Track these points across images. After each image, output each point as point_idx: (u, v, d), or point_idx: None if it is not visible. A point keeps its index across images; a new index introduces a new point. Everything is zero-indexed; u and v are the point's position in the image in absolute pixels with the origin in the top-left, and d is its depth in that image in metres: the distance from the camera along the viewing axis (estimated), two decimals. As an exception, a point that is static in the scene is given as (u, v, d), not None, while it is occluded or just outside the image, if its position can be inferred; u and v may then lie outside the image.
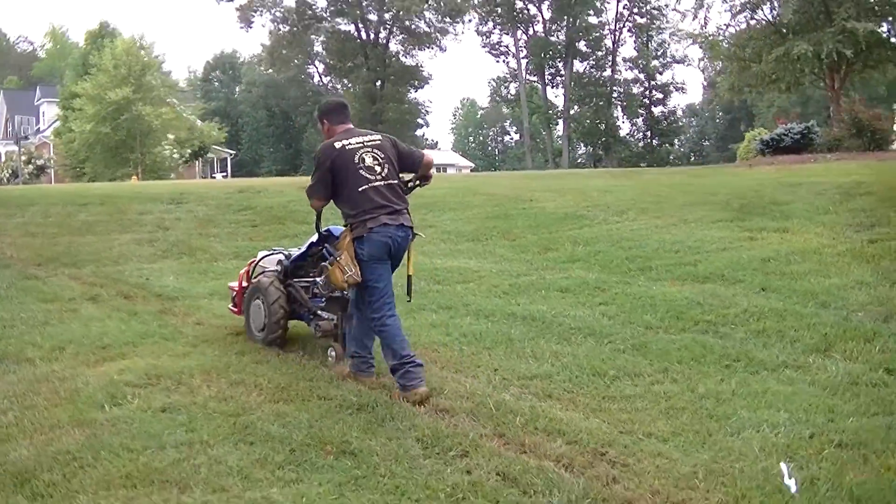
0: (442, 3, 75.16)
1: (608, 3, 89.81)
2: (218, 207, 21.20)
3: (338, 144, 7.88)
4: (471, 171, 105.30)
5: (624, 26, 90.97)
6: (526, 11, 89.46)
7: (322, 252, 8.91)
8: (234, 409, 6.98)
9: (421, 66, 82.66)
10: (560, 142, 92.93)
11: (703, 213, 17.01)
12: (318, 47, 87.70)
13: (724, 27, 38.13)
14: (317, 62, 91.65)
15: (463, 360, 8.53)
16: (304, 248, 9.34)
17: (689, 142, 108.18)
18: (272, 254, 10.08)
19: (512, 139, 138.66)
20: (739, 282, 11.61)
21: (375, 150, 7.92)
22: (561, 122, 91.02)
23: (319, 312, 8.95)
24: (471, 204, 20.75)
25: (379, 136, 8.16)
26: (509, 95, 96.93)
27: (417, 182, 8.41)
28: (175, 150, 57.19)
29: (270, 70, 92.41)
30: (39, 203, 21.95)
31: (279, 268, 9.52)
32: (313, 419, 6.70)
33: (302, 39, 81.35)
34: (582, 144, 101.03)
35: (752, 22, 37.26)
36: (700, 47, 40.59)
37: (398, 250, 7.92)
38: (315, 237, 9.07)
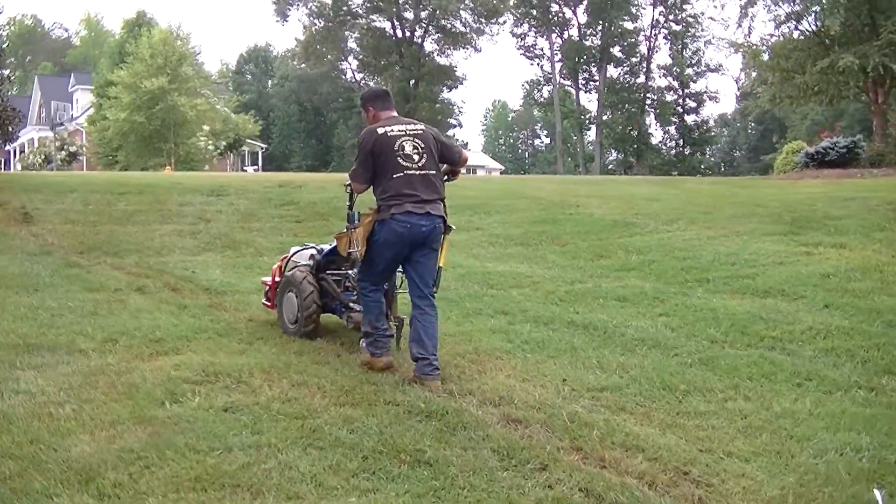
0: (478, 4, 74.77)
1: (644, 8, 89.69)
2: (259, 201, 21.05)
3: (380, 130, 8.06)
4: (500, 173, 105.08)
5: (659, 33, 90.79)
6: (561, 15, 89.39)
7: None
8: (300, 411, 6.75)
9: (455, 66, 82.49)
10: (591, 147, 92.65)
11: (754, 224, 16.79)
12: (351, 43, 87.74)
13: (769, 37, 37.77)
14: (350, 58, 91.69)
15: (528, 369, 8.27)
16: (335, 243, 9.23)
17: (719, 152, 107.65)
18: (304, 249, 10.19)
19: (542, 143, 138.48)
20: (801, 297, 11.34)
21: (416, 139, 8.06)
22: (594, 127, 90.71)
23: (351, 305, 9.13)
24: (516, 207, 20.54)
25: (422, 126, 8.30)
26: (542, 99, 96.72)
27: (445, 177, 8.51)
28: (210, 142, 57.16)
29: (303, 65, 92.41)
30: (78, 190, 21.81)
31: (311, 262, 9.70)
32: (383, 425, 6.47)
33: (336, 35, 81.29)
34: (613, 150, 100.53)
35: (796, 33, 36.91)
36: (742, 56, 40.19)
37: (423, 238, 7.99)
38: (346, 228, 8.99)
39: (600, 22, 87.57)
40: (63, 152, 58.84)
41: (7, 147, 57.54)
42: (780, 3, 36.37)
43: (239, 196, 21.77)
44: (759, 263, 13.52)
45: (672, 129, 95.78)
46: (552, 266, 14.52)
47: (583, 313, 10.84)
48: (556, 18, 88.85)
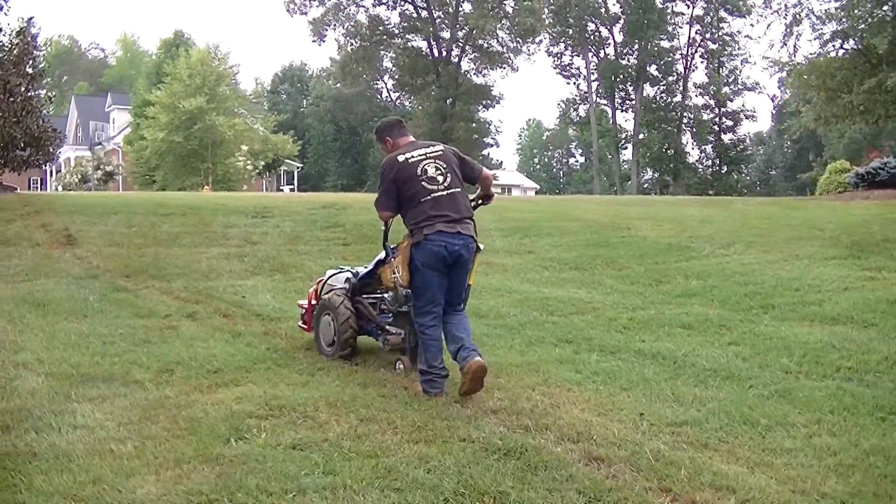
0: (515, 23, 74.65)
1: (680, 27, 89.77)
2: (304, 223, 20.87)
3: (401, 157, 8.23)
4: (535, 192, 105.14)
5: (696, 52, 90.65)
6: (598, 34, 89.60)
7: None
8: (371, 449, 6.42)
9: (492, 85, 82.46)
10: (627, 166, 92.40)
11: (813, 248, 16.51)
12: (387, 63, 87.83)
13: (814, 55, 37.35)
14: (386, 78, 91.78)
15: (602, 402, 7.95)
16: (371, 266, 9.58)
17: (755, 170, 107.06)
18: (340, 272, 10.31)
19: (577, 162, 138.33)
20: (872, 325, 11.06)
21: (438, 161, 8.24)
22: (630, 146, 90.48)
23: (387, 327, 9.25)
24: (567, 230, 20.32)
25: (441, 147, 8.52)
26: (578, 118, 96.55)
27: (480, 201, 8.87)
28: (249, 162, 57.17)
29: (339, 84, 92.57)
30: (121, 212, 21.70)
31: (347, 286, 9.83)
32: (461, 464, 6.13)
33: (373, 55, 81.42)
34: (649, 169, 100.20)
35: (842, 52, 36.48)
36: (787, 75, 39.77)
37: (456, 258, 8.11)
38: (382, 254, 9.20)
39: (637, 41, 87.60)
40: (100, 172, 58.95)
41: (44, 167, 57.64)
42: (826, 22, 35.97)
43: (284, 218, 21.57)
44: (823, 289, 13.25)
45: (709, 147, 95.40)
46: (611, 291, 14.28)
47: (649, 342, 10.57)
48: (592, 37, 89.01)
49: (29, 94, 27.96)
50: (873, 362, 9.33)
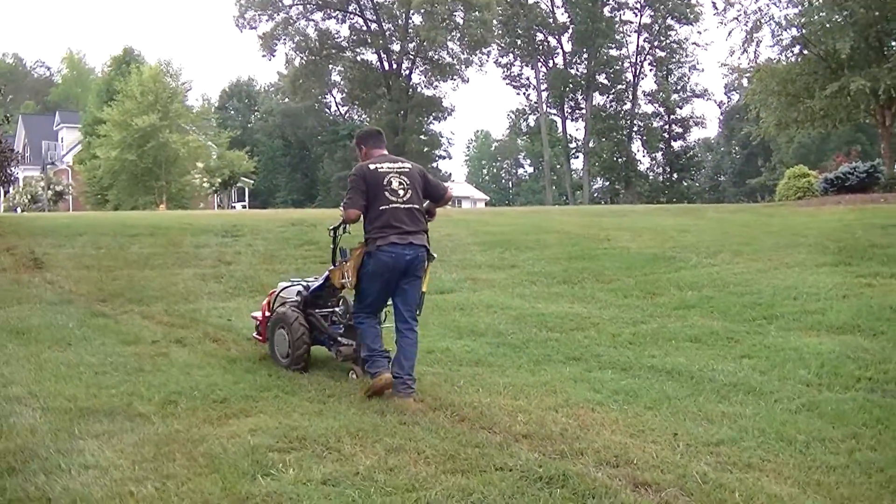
0: (465, 34, 74.68)
1: (629, 36, 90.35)
2: (276, 241, 20.57)
3: (371, 166, 8.86)
4: (485, 203, 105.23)
5: (644, 60, 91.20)
6: (546, 44, 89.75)
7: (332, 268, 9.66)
8: (407, 482, 6.12)
9: (442, 97, 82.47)
10: (577, 176, 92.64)
11: (801, 255, 16.57)
12: (335, 76, 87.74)
13: (774, 61, 37.55)
14: (335, 91, 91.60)
15: (630, 422, 7.73)
16: (322, 280, 9.99)
17: (704, 177, 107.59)
18: (292, 285, 10.63)
19: (526, 172, 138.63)
20: (880, 333, 11.03)
21: (402, 176, 8.83)
22: (581, 155, 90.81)
23: (339, 339, 9.74)
24: (546, 243, 20.27)
25: (409, 165, 9.12)
26: (528, 128, 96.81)
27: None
28: (205, 179, 56.73)
29: (287, 99, 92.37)
30: (87, 233, 21.22)
31: (299, 298, 10.20)
32: (506, 496, 5.87)
33: (322, 69, 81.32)
34: (599, 178, 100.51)
35: (801, 58, 36.71)
36: (748, 82, 39.99)
37: (406, 266, 8.70)
38: (332, 265, 9.68)
39: (585, 50, 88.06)
40: (49, 191, 58.31)
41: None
42: (786, 28, 36.20)
43: (254, 236, 21.27)
44: (822, 297, 13.23)
45: (659, 155, 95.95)
46: (606, 305, 14.15)
47: (660, 357, 10.44)
48: (541, 47, 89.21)
49: (-18, 114, 27.42)
50: (893, 372, 9.24)
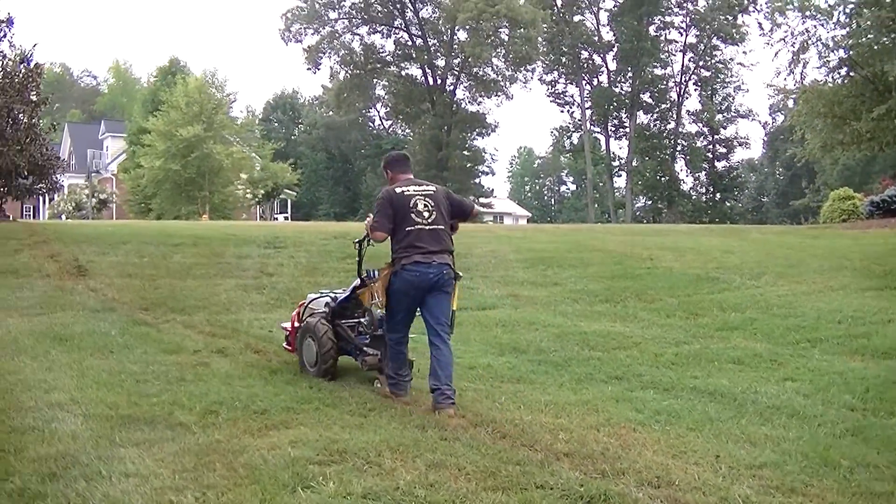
0: (510, 51, 74.51)
1: (674, 55, 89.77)
2: (319, 254, 20.61)
3: (398, 190, 9.30)
4: (527, 220, 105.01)
5: (689, 79, 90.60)
6: (591, 62, 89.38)
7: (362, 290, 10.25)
8: (447, 498, 6.08)
9: (486, 113, 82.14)
10: (620, 194, 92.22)
11: (845, 279, 16.47)
12: (379, 91, 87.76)
13: (821, 82, 37.21)
14: (378, 106, 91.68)
15: (672, 443, 7.67)
16: (348, 292, 10.53)
17: (748, 197, 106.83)
18: (320, 297, 11.09)
19: (568, 189, 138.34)
20: (927, 359, 10.84)
21: (427, 199, 9.28)
22: (623, 173, 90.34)
23: (365, 349, 10.12)
24: (589, 261, 20.27)
25: (433, 187, 9.58)
26: (571, 145, 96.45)
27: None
28: (249, 190, 56.92)
29: (331, 112, 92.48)
30: (130, 241, 21.39)
31: (326, 310, 10.60)
32: (548, 516, 5.79)
33: (366, 83, 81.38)
34: (642, 197, 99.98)
35: (847, 79, 36.38)
36: (794, 103, 39.68)
37: (431, 284, 9.09)
38: (358, 281, 10.29)
39: (630, 68, 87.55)
40: (94, 199, 58.63)
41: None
42: (833, 50, 35.89)
43: (297, 248, 21.33)
44: (867, 321, 13.13)
45: (702, 174, 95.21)
46: (648, 325, 14.12)
47: (702, 378, 10.41)
48: (586, 65, 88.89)
49: (32, 121, 27.61)
50: (940, 398, 9.06)
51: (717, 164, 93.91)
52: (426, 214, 9.15)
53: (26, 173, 27.41)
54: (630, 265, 19.58)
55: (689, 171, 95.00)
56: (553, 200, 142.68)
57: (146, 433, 7.58)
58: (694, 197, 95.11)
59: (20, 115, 26.99)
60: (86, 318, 13.73)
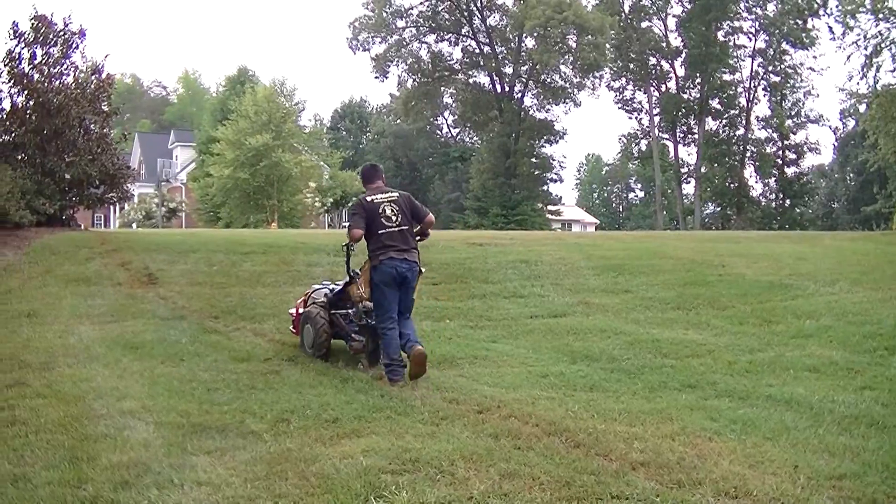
0: (578, 58, 74.04)
1: (742, 61, 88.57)
2: (388, 263, 20.49)
3: (368, 198, 11.09)
4: (595, 227, 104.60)
5: (758, 84, 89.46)
6: (659, 68, 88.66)
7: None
8: (523, 509, 5.98)
9: (554, 120, 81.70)
10: (688, 201, 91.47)
11: None
12: (447, 99, 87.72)
13: (893, 86, 36.68)
14: (446, 113, 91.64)
15: (749, 453, 7.54)
16: (341, 286, 12.03)
17: (817, 203, 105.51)
18: (322, 288, 12.71)
19: (636, 196, 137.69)
20: None
21: (392, 204, 10.97)
22: (692, 180, 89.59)
23: (353, 335, 11.58)
24: (660, 268, 20.12)
25: (396, 194, 11.22)
26: (639, 152, 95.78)
27: (418, 238, 11.28)
28: (317, 199, 57.15)
29: (399, 120, 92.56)
30: (200, 250, 21.48)
31: (325, 300, 12.13)
32: (623, 526, 5.71)
33: (434, 91, 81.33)
34: (710, 204, 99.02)
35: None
36: (867, 107, 39.12)
37: (403, 277, 10.79)
38: (348, 278, 11.67)
39: (699, 74, 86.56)
40: (163, 208, 59.11)
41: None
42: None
43: (366, 256, 21.11)
44: (953, 332, 12.81)
45: (772, 181, 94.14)
46: (721, 332, 13.97)
47: (778, 387, 10.25)
48: (654, 71, 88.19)
49: (103, 131, 27.85)
50: None
51: (786, 169, 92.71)
52: (394, 218, 10.84)
53: (97, 183, 27.59)
54: (701, 272, 19.42)
55: (758, 177, 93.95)
56: (621, 207, 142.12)
57: (218, 441, 7.62)
58: (763, 203, 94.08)
59: (92, 126, 27.21)
60: (156, 326, 13.81)
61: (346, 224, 12.15)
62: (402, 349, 10.61)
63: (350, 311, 11.73)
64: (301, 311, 12.56)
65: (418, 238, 11.31)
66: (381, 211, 10.85)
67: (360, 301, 11.28)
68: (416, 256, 11.01)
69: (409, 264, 10.84)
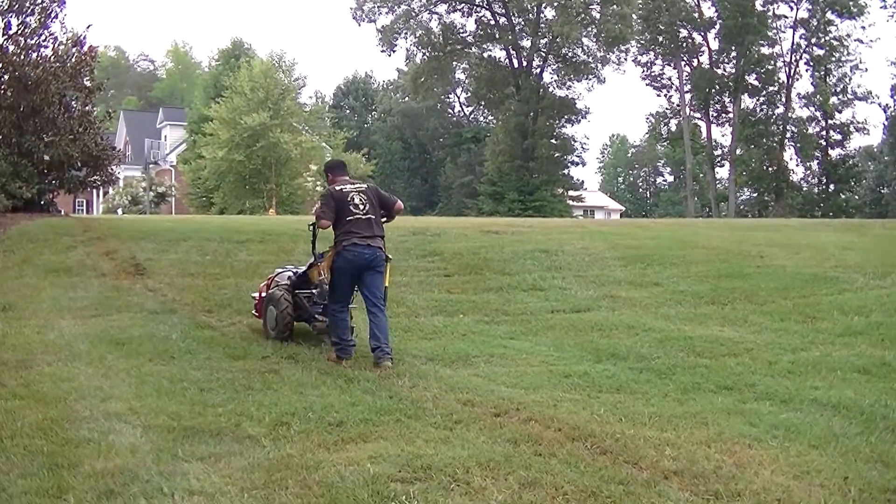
0: (602, 30, 73.57)
1: (783, 32, 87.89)
2: (397, 251, 20.33)
3: (337, 188, 12.10)
4: (620, 214, 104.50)
5: (800, 58, 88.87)
6: (691, 41, 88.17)
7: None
8: (545, 519, 5.97)
9: (576, 98, 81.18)
10: (722, 185, 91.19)
11: None
12: (460, 74, 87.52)
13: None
14: (458, 90, 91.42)
15: (793, 462, 7.49)
16: (305, 268, 13.20)
17: (864, 188, 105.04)
18: (285, 271, 13.75)
19: (665, 181, 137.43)
20: None
21: (361, 194, 12.04)
22: (726, 163, 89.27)
23: (317, 316, 12.74)
24: (693, 259, 20.09)
25: (365, 185, 12.47)
26: (668, 133, 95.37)
27: (384, 219, 12.38)
28: (318, 182, 57.14)
29: (407, 98, 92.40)
30: (192, 238, 21.49)
31: (288, 282, 13.19)
32: (657, 542, 5.69)
33: (446, 66, 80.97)
34: (746, 189, 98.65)
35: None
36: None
37: (367, 263, 11.76)
38: (312, 259, 12.80)
39: (734, 48, 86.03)
40: (152, 193, 59.15)
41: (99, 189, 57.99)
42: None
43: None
44: None
45: (814, 164, 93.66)
46: (760, 329, 13.92)
47: (823, 389, 10.17)
48: (685, 44, 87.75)
49: (86, 109, 27.84)
50: None
51: (830, 151, 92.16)
52: (361, 207, 11.86)
53: (80, 164, 27.64)
54: (738, 263, 19.35)
55: (799, 159, 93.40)
56: (648, 193, 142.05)
57: (211, 446, 7.63)
58: (805, 188, 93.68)
59: (73, 103, 27.27)
60: (144, 321, 13.84)
61: (317, 206, 12.94)
62: (372, 351, 11.60)
63: (314, 291, 12.82)
64: (264, 294, 13.50)
65: (384, 220, 12.40)
66: (349, 199, 11.90)
67: (319, 280, 12.26)
68: (380, 243, 12.00)
69: (373, 250, 11.81)
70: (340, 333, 11.85)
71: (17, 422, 8.13)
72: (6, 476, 6.69)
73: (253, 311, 13.97)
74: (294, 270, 13.60)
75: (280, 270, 13.94)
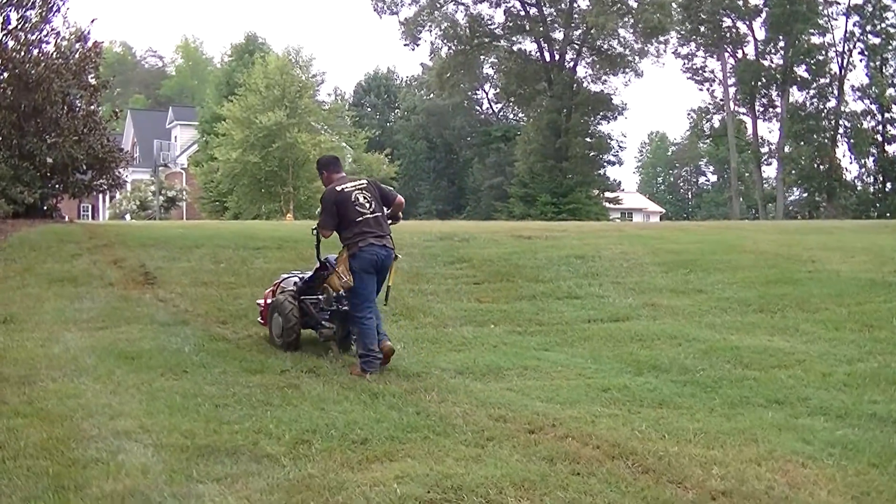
0: (639, 20, 73.23)
1: (835, 20, 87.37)
2: (423, 258, 20.39)
3: (338, 188, 12.17)
4: (660, 217, 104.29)
5: (854, 48, 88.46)
6: (735, 30, 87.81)
7: (324, 275, 12.73)
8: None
9: (612, 93, 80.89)
10: (769, 185, 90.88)
11: None
12: (488, 69, 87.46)
13: None
14: (487, 86, 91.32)
15: (851, 482, 7.50)
16: (311, 274, 13.24)
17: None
18: (291, 276, 13.81)
19: (708, 181, 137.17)
20: None
21: (364, 192, 12.16)
22: (774, 161, 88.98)
23: (324, 322, 12.82)
24: (739, 264, 20.02)
25: (365, 181, 12.59)
26: (711, 129, 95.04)
27: (390, 222, 12.58)
28: (340, 185, 57.24)
29: (432, 94, 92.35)
30: (205, 245, 21.44)
31: (294, 288, 13.23)
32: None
33: (473, 60, 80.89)
34: (796, 189, 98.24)
35: None
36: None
37: (382, 264, 12.09)
38: (318, 265, 12.96)
39: (782, 37, 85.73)
40: (161, 197, 59.28)
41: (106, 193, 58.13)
42: None
43: (397, 251, 21.15)
44: None
45: (870, 161, 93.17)
46: (813, 339, 13.87)
47: (884, 403, 10.16)
48: (728, 35, 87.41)
49: (91, 108, 27.84)
50: None
51: (887, 147, 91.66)
52: (367, 205, 12.01)
53: (84, 167, 27.58)
54: (788, 269, 19.28)
55: (853, 156, 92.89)
56: (690, 194, 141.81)
57: (227, 466, 7.65)
58: (859, 187, 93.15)
59: (77, 102, 27.24)
60: (155, 333, 13.82)
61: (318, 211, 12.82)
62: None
63: (320, 297, 12.97)
64: (270, 300, 13.54)
65: (390, 222, 12.61)
66: (353, 199, 12.01)
67: (345, 289, 12.13)
68: (391, 242, 12.29)
69: (388, 251, 12.13)
70: (369, 343, 11.73)
71: (19, 441, 8.15)
72: (9, 499, 6.72)
73: (258, 319, 14.09)
74: (300, 276, 13.65)
75: (286, 276, 14.01)
